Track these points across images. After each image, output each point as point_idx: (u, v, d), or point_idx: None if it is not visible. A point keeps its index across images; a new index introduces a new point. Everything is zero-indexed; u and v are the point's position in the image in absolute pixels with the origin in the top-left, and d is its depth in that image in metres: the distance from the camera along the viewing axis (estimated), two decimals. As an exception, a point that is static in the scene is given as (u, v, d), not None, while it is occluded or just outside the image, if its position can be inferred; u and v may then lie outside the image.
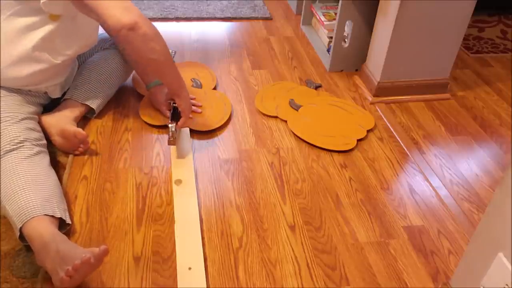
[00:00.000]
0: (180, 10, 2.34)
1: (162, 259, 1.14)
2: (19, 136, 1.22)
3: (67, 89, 1.51)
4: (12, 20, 1.26)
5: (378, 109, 1.73)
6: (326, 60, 1.99)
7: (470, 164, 1.52)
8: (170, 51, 1.96)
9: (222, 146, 1.51)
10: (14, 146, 1.20)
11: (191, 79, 1.77)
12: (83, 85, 1.50)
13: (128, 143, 1.49)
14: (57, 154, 1.39)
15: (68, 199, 1.26)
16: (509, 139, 1.63)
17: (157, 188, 1.33)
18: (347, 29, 1.87)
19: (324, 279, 1.12)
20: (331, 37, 1.94)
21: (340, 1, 1.79)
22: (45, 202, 1.11)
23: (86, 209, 1.25)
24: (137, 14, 1.20)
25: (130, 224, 1.22)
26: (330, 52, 1.93)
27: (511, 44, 2.24)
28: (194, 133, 1.54)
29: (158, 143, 1.50)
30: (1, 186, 1.13)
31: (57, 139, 1.38)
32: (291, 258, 1.17)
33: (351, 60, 1.93)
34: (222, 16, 2.32)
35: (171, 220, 1.23)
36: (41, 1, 1.22)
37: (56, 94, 1.48)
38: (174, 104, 1.45)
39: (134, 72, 1.68)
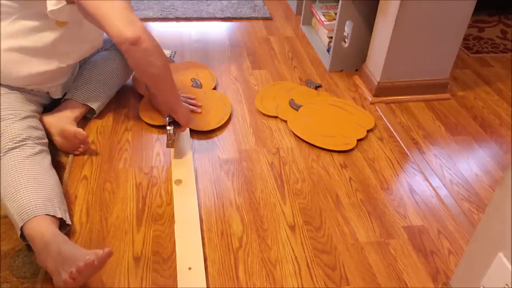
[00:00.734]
0: (180, 10, 2.34)
1: (162, 259, 1.14)
2: (22, 134, 1.22)
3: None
4: (19, 22, 1.26)
5: (378, 109, 1.73)
6: (326, 60, 1.99)
7: (470, 164, 1.52)
8: (170, 51, 1.97)
9: (222, 146, 1.51)
10: (17, 144, 1.20)
11: (191, 79, 1.77)
12: (83, 86, 1.50)
13: (128, 143, 1.49)
14: (57, 154, 1.39)
15: (68, 199, 1.26)
16: (509, 139, 1.63)
17: (157, 188, 1.33)
18: (347, 29, 1.87)
19: (324, 279, 1.12)
20: (331, 37, 1.94)
21: (340, 1, 1.79)
22: (46, 201, 1.11)
23: (86, 209, 1.25)
24: (141, 29, 1.20)
25: (130, 224, 1.22)
26: (330, 52, 1.93)
27: (511, 44, 2.24)
28: (194, 133, 1.54)
29: (158, 143, 1.50)
30: (2, 184, 1.13)
31: (57, 139, 1.39)
32: (291, 258, 1.17)
33: (351, 60, 1.93)
34: (222, 16, 2.33)
35: (171, 220, 1.23)
36: (48, 10, 1.22)
37: (57, 95, 1.48)
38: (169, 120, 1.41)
39: (134, 72, 1.69)
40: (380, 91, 1.76)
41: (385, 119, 1.68)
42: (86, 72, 1.53)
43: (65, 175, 1.34)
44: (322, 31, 2.10)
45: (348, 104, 1.72)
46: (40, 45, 1.30)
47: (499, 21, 2.45)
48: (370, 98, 1.77)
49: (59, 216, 1.12)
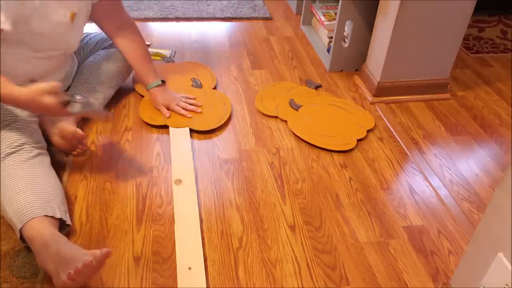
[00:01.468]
0: (180, 10, 2.34)
1: (162, 259, 1.14)
2: (19, 139, 1.22)
3: (67, 89, 1.51)
4: None
5: (378, 109, 1.73)
6: (326, 60, 1.99)
7: (470, 164, 1.52)
8: (170, 51, 1.97)
9: (222, 146, 1.51)
10: (14, 149, 1.20)
11: (191, 79, 1.77)
12: (82, 85, 1.50)
13: (128, 143, 1.49)
14: (57, 154, 1.39)
15: (68, 199, 1.26)
16: (509, 139, 1.63)
17: (157, 188, 1.33)
18: (347, 29, 1.87)
19: (324, 279, 1.12)
20: (331, 37, 1.94)
21: (340, 1, 1.79)
22: (45, 203, 1.11)
23: (86, 209, 1.25)
24: None
25: (130, 224, 1.22)
26: (330, 52, 1.93)
27: (511, 44, 2.24)
28: (194, 133, 1.54)
29: (158, 143, 1.49)
30: (1, 188, 1.13)
31: (56, 139, 1.38)
32: (291, 258, 1.17)
33: (351, 60, 1.93)
34: (222, 16, 2.33)
35: (171, 220, 1.23)
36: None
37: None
38: None
39: (134, 72, 1.68)
40: (380, 91, 1.76)
41: (385, 119, 1.68)
42: (85, 72, 1.53)
43: (65, 175, 1.34)
44: (322, 31, 2.10)
45: (348, 104, 1.72)
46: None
47: (499, 21, 2.45)
48: (370, 98, 1.77)
49: (58, 216, 1.11)
